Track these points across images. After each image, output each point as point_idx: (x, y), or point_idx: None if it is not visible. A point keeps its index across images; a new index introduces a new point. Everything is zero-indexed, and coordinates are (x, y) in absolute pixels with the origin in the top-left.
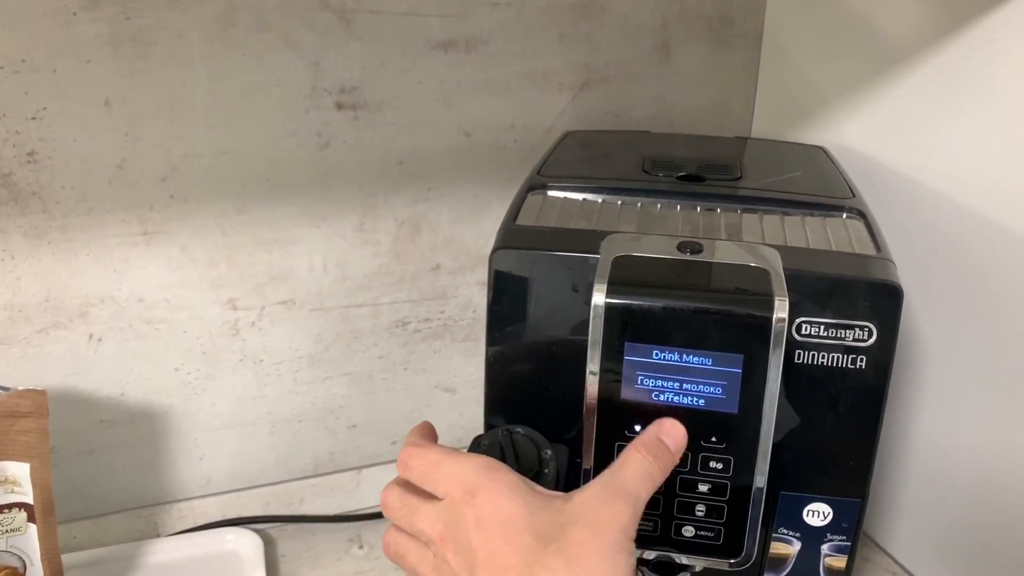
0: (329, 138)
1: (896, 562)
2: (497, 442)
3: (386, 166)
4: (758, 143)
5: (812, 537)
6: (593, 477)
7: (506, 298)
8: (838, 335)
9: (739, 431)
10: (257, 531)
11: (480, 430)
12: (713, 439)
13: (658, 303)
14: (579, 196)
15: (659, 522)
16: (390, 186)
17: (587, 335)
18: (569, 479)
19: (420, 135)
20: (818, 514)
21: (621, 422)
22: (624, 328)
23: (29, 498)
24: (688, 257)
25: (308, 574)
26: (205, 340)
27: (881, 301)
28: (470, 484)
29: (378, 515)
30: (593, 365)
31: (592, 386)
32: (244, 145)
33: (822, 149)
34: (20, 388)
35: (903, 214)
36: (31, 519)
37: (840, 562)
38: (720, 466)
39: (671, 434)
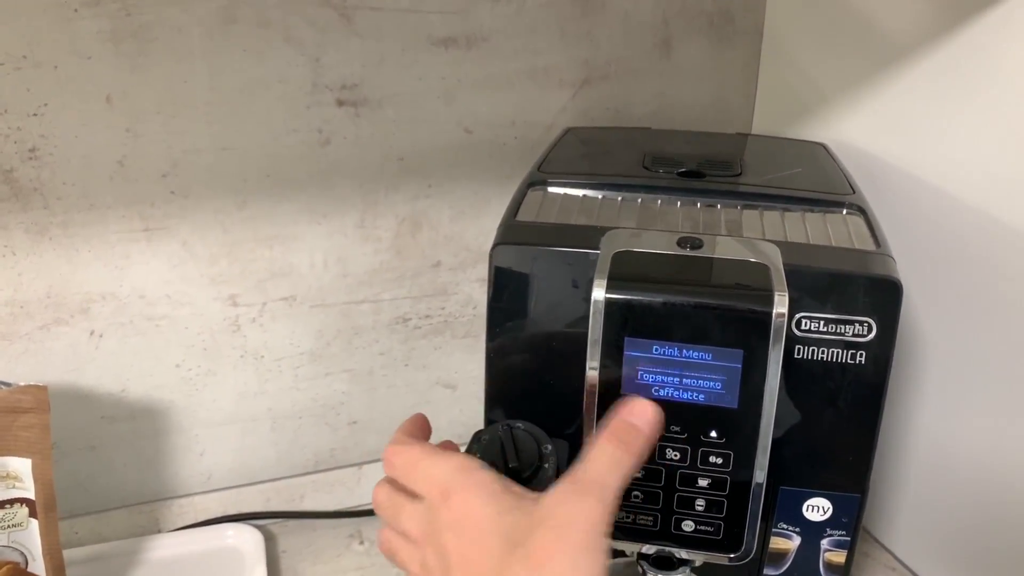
0: (330, 135)
1: (896, 558)
2: (497, 437)
3: (387, 163)
4: (758, 139)
5: (812, 532)
6: None
7: (506, 294)
8: (838, 330)
9: (739, 426)
10: (258, 527)
11: (481, 426)
12: (713, 434)
13: (658, 299)
14: (579, 192)
15: (659, 517)
16: (391, 183)
17: (587, 331)
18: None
19: (421, 132)
20: (818, 509)
21: None
22: (624, 323)
23: (31, 493)
24: (688, 253)
25: (309, 570)
26: (206, 336)
27: (881, 296)
28: (445, 485)
29: None
30: (593, 360)
31: (592, 381)
32: (245, 141)
33: (822, 145)
34: (21, 384)
35: (903, 210)
36: (32, 514)
37: (840, 557)
38: (720, 461)
39: (640, 414)
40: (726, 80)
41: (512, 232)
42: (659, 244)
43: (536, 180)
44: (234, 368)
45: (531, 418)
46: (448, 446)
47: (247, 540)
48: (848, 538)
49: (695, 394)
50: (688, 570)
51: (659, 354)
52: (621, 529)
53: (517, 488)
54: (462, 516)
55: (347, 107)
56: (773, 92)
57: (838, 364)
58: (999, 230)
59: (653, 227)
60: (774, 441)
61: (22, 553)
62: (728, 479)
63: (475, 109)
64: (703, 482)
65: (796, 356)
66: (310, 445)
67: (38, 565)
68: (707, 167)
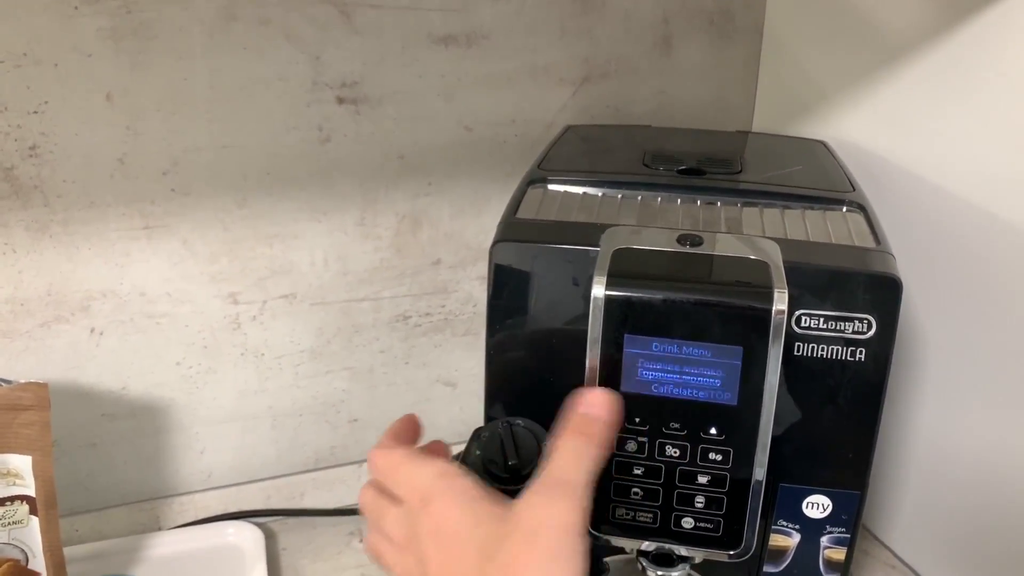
0: (330, 132)
1: (895, 555)
2: (497, 434)
3: (387, 160)
4: (759, 137)
5: (811, 529)
6: None
7: (506, 291)
8: (837, 327)
9: (738, 423)
10: (258, 524)
11: (481, 423)
12: (713, 431)
13: (658, 295)
14: (579, 190)
15: (659, 513)
16: (391, 181)
17: (587, 328)
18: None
19: (421, 130)
20: (817, 506)
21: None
22: (624, 320)
23: (31, 491)
24: (688, 250)
25: (309, 567)
26: (206, 334)
27: (880, 293)
28: (425, 491)
29: None
30: (593, 357)
31: (592, 379)
32: (245, 139)
33: (822, 143)
34: (22, 381)
35: (903, 208)
36: (33, 512)
37: (839, 554)
38: (719, 458)
39: (595, 402)
40: (726, 78)
41: (512, 229)
42: (659, 241)
43: (536, 178)
44: (234, 366)
45: (531, 415)
46: (435, 447)
47: (247, 538)
48: (848, 535)
49: (695, 391)
50: (688, 567)
51: (659, 351)
52: (621, 526)
53: (497, 494)
54: (441, 524)
55: (347, 105)
56: (773, 90)
57: (838, 361)
58: (998, 227)
59: (653, 224)
60: (774, 438)
61: (22, 550)
62: (728, 476)
63: (475, 107)
64: (703, 479)
65: (796, 353)
66: (310, 443)
67: (38, 562)
68: (707, 164)
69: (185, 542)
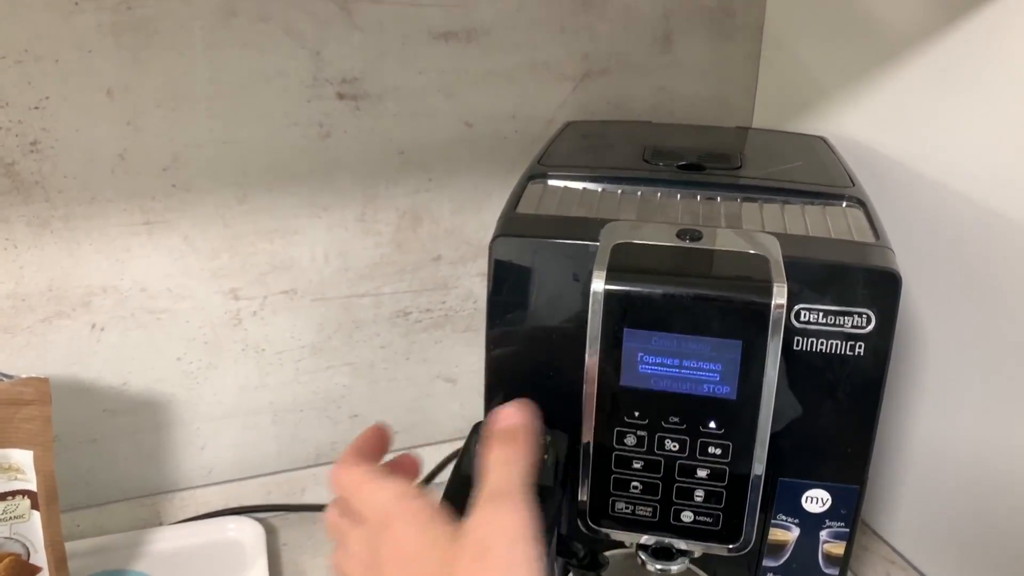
0: (330, 128)
1: (895, 550)
2: None
3: (387, 156)
4: (759, 133)
5: (811, 523)
6: (592, 462)
7: (506, 286)
8: (837, 322)
9: (737, 417)
10: (259, 520)
11: (481, 419)
12: (712, 425)
13: (657, 290)
14: (579, 185)
15: (658, 507)
16: (391, 176)
17: (586, 322)
18: (568, 465)
19: (421, 125)
20: (817, 500)
21: (620, 408)
22: (623, 315)
23: (32, 485)
24: (687, 244)
25: (309, 563)
26: (207, 330)
27: (880, 288)
28: (384, 513)
29: None
30: (592, 352)
31: (591, 373)
32: (246, 135)
33: (822, 139)
34: (23, 376)
35: (903, 203)
36: (34, 506)
37: (839, 548)
38: (719, 452)
39: (509, 414)
40: (726, 74)
41: (512, 224)
42: (658, 236)
43: (536, 173)
44: (235, 362)
45: None
46: (404, 461)
47: (248, 533)
48: (847, 530)
49: (694, 385)
50: (687, 561)
51: (658, 345)
52: (620, 520)
53: (451, 514)
54: (399, 548)
55: (347, 101)
56: (773, 86)
57: (837, 356)
58: (998, 223)
59: (653, 219)
60: (773, 432)
61: (24, 545)
62: (727, 470)
63: (475, 103)
64: (702, 473)
65: (795, 348)
66: (311, 438)
67: (40, 557)
68: (707, 160)
69: (186, 537)
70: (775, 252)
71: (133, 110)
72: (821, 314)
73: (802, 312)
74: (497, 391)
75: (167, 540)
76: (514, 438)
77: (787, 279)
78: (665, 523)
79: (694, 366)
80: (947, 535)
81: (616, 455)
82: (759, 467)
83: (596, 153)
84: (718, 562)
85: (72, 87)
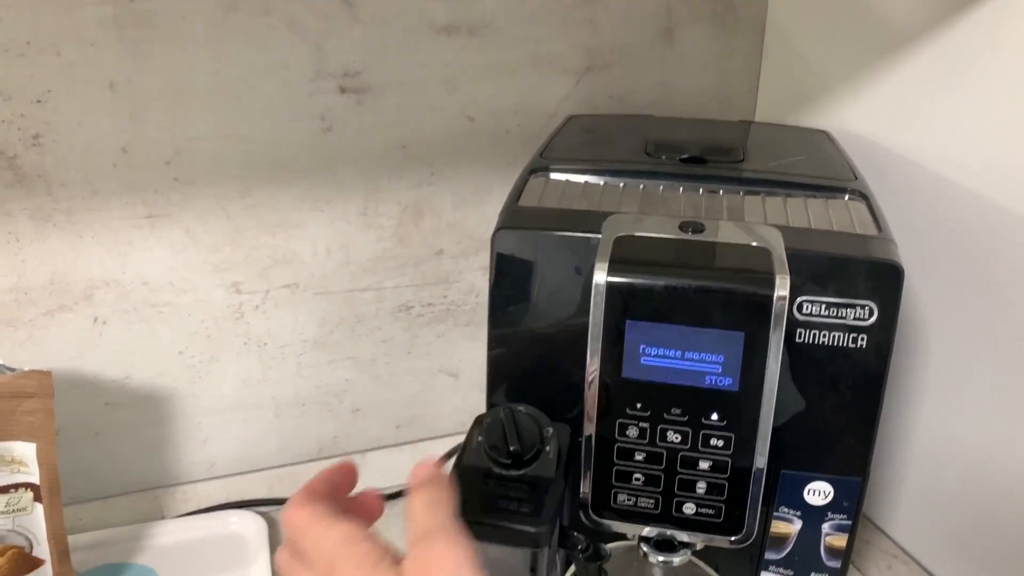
0: (332, 122)
1: (897, 544)
2: (499, 420)
3: (389, 150)
4: (761, 127)
5: (813, 516)
6: (594, 454)
7: (508, 279)
8: (839, 314)
9: (740, 409)
10: (261, 514)
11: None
12: (714, 417)
13: (659, 282)
14: (581, 179)
15: (660, 499)
16: (393, 170)
17: (588, 315)
18: (570, 457)
19: (423, 119)
20: (819, 493)
21: (622, 400)
22: (625, 307)
23: (35, 478)
24: (690, 237)
25: None
26: (209, 323)
27: (882, 280)
28: (330, 558)
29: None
30: (594, 344)
31: (593, 365)
32: (248, 129)
33: (825, 133)
34: (26, 369)
35: (905, 196)
36: (37, 499)
37: (841, 541)
38: (721, 444)
39: (419, 472)
40: (729, 68)
41: (514, 217)
42: (661, 228)
43: (538, 166)
44: (237, 355)
45: (533, 402)
46: (366, 499)
47: (250, 527)
48: (849, 522)
49: (696, 377)
50: (689, 553)
51: (660, 337)
52: (622, 512)
53: (395, 556)
54: None
55: (350, 94)
56: (776, 80)
57: (839, 348)
58: (1000, 216)
59: (655, 212)
60: (775, 425)
61: (27, 537)
62: (729, 462)
63: (478, 97)
64: (704, 465)
65: (797, 340)
66: (313, 432)
67: (42, 549)
68: (710, 153)
69: (188, 531)
70: (777, 244)
71: (135, 103)
72: (823, 306)
73: (804, 304)
74: (499, 384)
75: (169, 534)
76: (432, 480)
77: (789, 271)
78: (667, 515)
79: (696, 358)
80: (949, 528)
81: (618, 447)
82: (761, 459)
83: (598, 147)
84: (720, 554)
85: (74, 80)
